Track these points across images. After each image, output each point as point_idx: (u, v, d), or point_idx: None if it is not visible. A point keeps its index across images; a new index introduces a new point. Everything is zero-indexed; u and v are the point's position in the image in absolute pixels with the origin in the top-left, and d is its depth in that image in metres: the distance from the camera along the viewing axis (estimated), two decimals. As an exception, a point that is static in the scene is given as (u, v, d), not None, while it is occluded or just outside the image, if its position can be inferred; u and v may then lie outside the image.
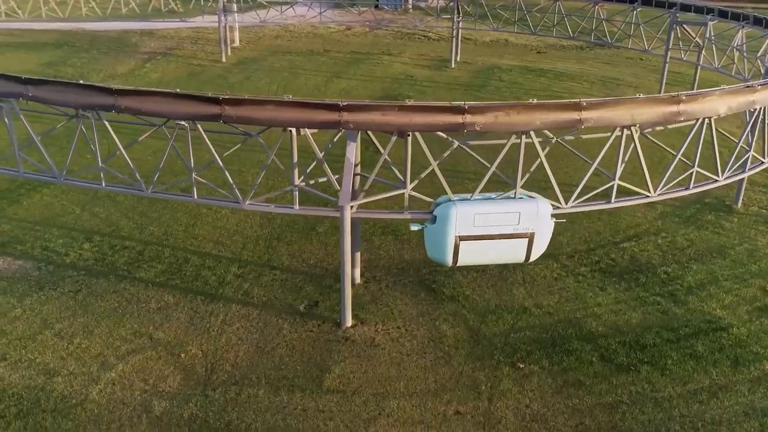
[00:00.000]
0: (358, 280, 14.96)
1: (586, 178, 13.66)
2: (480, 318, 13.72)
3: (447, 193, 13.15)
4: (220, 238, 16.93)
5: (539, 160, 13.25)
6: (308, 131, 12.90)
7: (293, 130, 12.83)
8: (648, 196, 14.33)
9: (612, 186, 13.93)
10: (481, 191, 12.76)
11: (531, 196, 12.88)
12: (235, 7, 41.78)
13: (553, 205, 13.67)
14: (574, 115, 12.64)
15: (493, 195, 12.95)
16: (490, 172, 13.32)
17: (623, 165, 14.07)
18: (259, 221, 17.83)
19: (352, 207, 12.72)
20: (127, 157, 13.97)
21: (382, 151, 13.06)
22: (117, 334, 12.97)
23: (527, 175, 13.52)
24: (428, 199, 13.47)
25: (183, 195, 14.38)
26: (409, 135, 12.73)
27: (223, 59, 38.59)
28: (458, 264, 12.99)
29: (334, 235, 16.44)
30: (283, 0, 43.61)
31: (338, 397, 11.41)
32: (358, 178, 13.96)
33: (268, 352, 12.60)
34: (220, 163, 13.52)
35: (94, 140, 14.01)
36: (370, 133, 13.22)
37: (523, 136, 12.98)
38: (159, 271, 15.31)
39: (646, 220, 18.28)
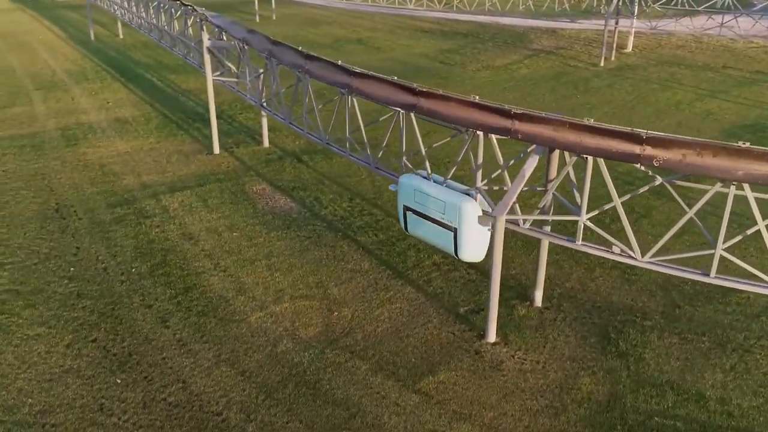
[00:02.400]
0: (538, 302, 14.00)
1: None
2: (635, 386, 11.57)
3: (629, 235, 11.45)
4: (450, 227, 17.54)
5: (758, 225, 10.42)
6: (493, 136, 12.61)
7: (480, 132, 12.71)
8: None
9: None
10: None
11: (469, 194, 12.52)
12: (635, 10, 40.01)
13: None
14: (798, 172, 9.53)
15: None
16: (683, 220, 11.05)
17: None
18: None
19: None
20: (364, 133, 15.69)
21: (568, 164, 11.97)
22: (305, 280, 15.00)
23: (738, 237, 10.76)
24: (603, 233, 11.91)
25: (393, 173, 15.45)
26: (586, 158, 11.41)
27: (601, 63, 37.57)
28: (409, 233, 14.06)
29: (555, 254, 15.46)
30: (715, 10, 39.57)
31: (420, 400, 11.29)
32: (551, 195, 13.03)
33: (402, 336, 13.02)
34: (423, 152, 14.16)
35: (345, 114, 16.08)
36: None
37: (733, 186, 10.36)
38: (377, 240, 16.85)
39: None
